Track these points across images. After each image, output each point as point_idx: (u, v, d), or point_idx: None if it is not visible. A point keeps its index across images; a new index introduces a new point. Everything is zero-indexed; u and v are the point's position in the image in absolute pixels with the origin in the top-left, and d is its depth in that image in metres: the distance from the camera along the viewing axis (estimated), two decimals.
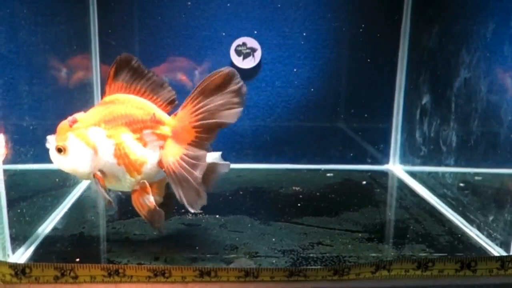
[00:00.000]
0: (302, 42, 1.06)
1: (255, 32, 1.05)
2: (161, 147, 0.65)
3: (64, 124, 0.64)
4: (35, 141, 0.83)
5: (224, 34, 1.05)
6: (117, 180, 0.66)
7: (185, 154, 0.64)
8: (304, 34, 1.06)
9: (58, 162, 0.65)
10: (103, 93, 0.67)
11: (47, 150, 0.66)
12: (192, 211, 0.64)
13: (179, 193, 0.64)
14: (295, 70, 1.07)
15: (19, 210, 0.73)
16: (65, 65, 0.92)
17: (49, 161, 0.87)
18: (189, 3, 1.03)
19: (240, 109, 0.63)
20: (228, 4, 1.03)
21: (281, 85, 1.08)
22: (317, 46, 1.06)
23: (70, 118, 0.64)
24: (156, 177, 0.67)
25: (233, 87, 0.63)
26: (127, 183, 0.66)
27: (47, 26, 0.84)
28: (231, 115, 0.63)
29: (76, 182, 0.94)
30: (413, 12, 1.02)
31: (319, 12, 1.05)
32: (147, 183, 0.66)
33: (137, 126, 0.64)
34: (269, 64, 1.07)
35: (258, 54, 1.05)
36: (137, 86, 0.66)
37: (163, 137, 0.65)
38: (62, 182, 0.90)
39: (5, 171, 0.75)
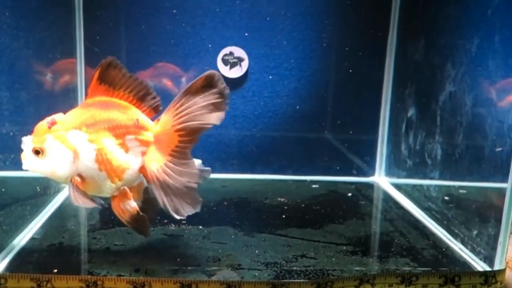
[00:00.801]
0: (289, 53, 1.06)
1: (243, 41, 1.05)
2: (143, 153, 0.64)
3: (42, 125, 0.62)
4: (16, 148, 0.82)
5: (210, 43, 1.04)
6: (97, 186, 0.64)
7: (169, 161, 0.63)
8: (291, 44, 1.06)
9: (33, 165, 0.62)
10: (85, 96, 0.66)
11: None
12: (177, 217, 0.63)
13: (162, 200, 0.63)
14: (284, 80, 1.07)
15: None
16: (48, 71, 0.90)
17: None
18: (175, 11, 1.02)
19: (223, 111, 0.63)
20: (217, 9, 1.03)
21: (268, 95, 1.08)
22: (304, 57, 1.06)
23: (48, 119, 0.62)
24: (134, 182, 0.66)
25: (215, 89, 0.62)
26: (107, 189, 0.64)
27: (30, 31, 0.83)
28: (213, 117, 0.63)
29: (57, 191, 0.92)
30: (400, 25, 1.03)
31: (307, 22, 1.05)
32: (127, 189, 0.65)
33: (119, 131, 0.63)
34: (256, 74, 1.06)
35: (245, 64, 1.05)
36: (121, 90, 0.64)
37: (146, 143, 0.64)
38: (43, 190, 0.88)
39: None
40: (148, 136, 0.64)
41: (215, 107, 0.62)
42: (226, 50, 1.04)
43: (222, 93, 0.62)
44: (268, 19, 1.05)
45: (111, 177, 0.63)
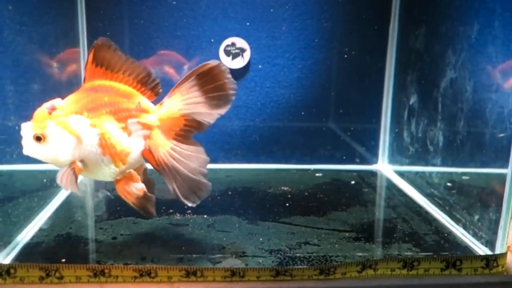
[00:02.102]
0: (291, 43, 1.06)
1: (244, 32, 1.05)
2: (146, 137, 0.64)
3: (42, 111, 0.61)
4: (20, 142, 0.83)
5: (212, 35, 1.05)
6: (99, 170, 0.63)
7: (175, 145, 0.64)
8: (293, 34, 1.06)
9: (34, 151, 0.61)
10: (83, 80, 0.64)
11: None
12: (189, 204, 0.64)
13: (172, 186, 0.64)
14: (284, 70, 1.08)
15: (4, 211, 0.72)
16: (52, 65, 0.91)
17: (37, 161, 0.87)
18: (175, 2, 1.02)
19: (230, 104, 0.65)
20: (219, 0, 1.03)
21: (270, 85, 1.08)
22: (306, 46, 1.07)
23: (48, 105, 0.61)
24: None
25: (222, 80, 0.63)
26: (111, 173, 0.64)
27: (33, 25, 0.84)
28: (220, 109, 0.63)
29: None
30: (401, 13, 1.03)
31: (308, 12, 1.05)
32: (133, 172, 0.65)
33: (122, 114, 0.62)
34: (258, 64, 1.07)
35: (247, 55, 1.05)
36: (120, 73, 0.63)
37: (148, 127, 0.64)
38: (50, 182, 0.90)
39: None
40: (151, 119, 0.64)
41: (222, 99, 0.63)
42: (228, 41, 1.04)
43: (230, 85, 0.63)
44: (269, 9, 1.05)
45: (115, 161, 0.63)
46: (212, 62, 0.64)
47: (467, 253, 0.69)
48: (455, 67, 0.79)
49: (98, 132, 0.62)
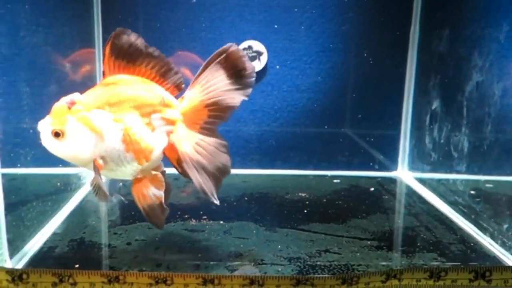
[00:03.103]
0: (309, 46, 1.04)
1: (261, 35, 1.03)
2: (169, 132, 0.61)
3: (61, 106, 0.57)
4: (36, 145, 0.82)
5: (229, 38, 1.03)
6: (120, 168, 0.60)
7: (201, 139, 0.62)
8: (311, 37, 1.04)
9: (53, 148, 0.58)
10: (103, 73, 0.61)
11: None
12: (216, 202, 0.62)
13: (198, 182, 0.61)
14: (303, 72, 1.06)
15: (18, 215, 0.71)
16: (67, 68, 0.90)
17: (51, 165, 0.86)
18: (191, 5, 1.01)
19: (251, 87, 0.63)
20: (236, 3, 1.02)
21: (287, 89, 1.06)
22: (324, 49, 1.05)
23: (67, 99, 0.58)
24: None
25: (241, 65, 0.62)
26: (133, 170, 0.61)
27: (49, 27, 0.83)
28: (241, 94, 0.63)
29: (77, 187, 0.92)
30: (423, 15, 1.00)
31: (327, 15, 1.03)
32: (159, 175, 0.62)
33: (145, 110, 0.60)
34: (275, 67, 1.05)
35: (264, 58, 1.03)
36: (142, 66, 0.60)
37: (171, 122, 0.61)
38: (64, 186, 0.89)
39: (4, 175, 0.73)
40: (174, 114, 0.62)
41: (243, 84, 0.62)
42: (245, 44, 1.03)
43: (249, 70, 0.62)
44: (287, 12, 1.03)
45: (138, 159, 0.60)
46: (228, 47, 0.62)
47: (496, 264, 0.66)
48: (482, 70, 0.76)
49: (121, 128, 0.58)
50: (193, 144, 0.61)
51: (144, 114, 0.60)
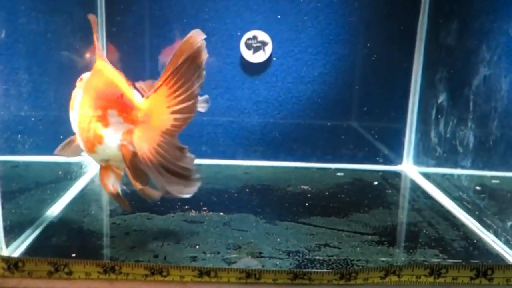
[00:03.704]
0: (315, 37, 1.03)
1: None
2: (129, 132, 0.58)
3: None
4: (39, 132, 0.81)
5: (234, 27, 1.02)
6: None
7: (163, 142, 0.56)
8: (317, 28, 1.02)
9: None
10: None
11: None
12: (183, 196, 0.56)
13: (160, 183, 0.56)
14: (307, 65, 1.04)
15: (16, 202, 0.71)
16: (69, 57, 0.90)
17: (52, 153, 0.86)
18: None
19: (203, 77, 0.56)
20: None
21: (292, 81, 1.05)
22: (330, 41, 1.03)
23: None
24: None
25: (199, 59, 0.54)
26: (91, 156, 0.63)
27: (51, 15, 0.82)
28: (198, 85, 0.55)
29: (79, 175, 0.92)
30: (431, 7, 0.98)
31: (333, 6, 1.02)
32: (120, 171, 0.64)
33: (100, 102, 0.58)
34: (280, 58, 1.04)
35: (269, 48, 1.02)
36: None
37: (131, 121, 0.58)
38: (65, 174, 0.88)
39: (5, 162, 0.73)
40: (134, 115, 0.58)
41: (200, 77, 0.55)
42: (250, 34, 1.01)
43: (202, 61, 0.55)
44: (293, 2, 1.01)
45: (85, 147, 0.61)
46: (188, 40, 0.54)
47: (499, 262, 0.65)
48: (490, 64, 0.74)
49: (78, 113, 0.61)
50: (155, 146, 0.56)
51: (98, 106, 0.58)
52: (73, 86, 0.66)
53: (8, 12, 0.71)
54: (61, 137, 0.71)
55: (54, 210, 0.77)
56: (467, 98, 0.81)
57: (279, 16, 1.02)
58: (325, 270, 0.60)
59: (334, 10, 1.02)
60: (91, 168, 0.96)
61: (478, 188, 0.79)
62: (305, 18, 1.02)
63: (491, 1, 0.77)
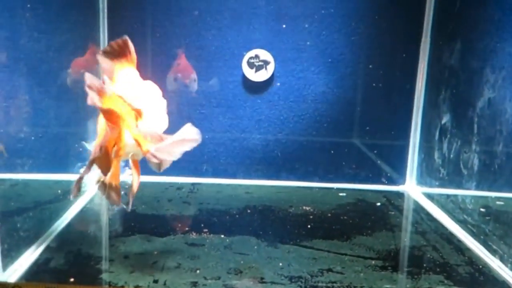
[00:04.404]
0: (317, 56, 1.03)
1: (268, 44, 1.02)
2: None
3: None
4: (36, 151, 0.81)
5: (236, 46, 1.01)
6: None
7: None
8: (319, 47, 1.02)
9: None
10: None
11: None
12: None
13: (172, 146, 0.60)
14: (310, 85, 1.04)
15: (14, 224, 0.70)
16: (71, 75, 0.89)
17: (53, 171, 0.85)
18: (196, 12, 1.00)
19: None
20: (243, 11, 1.00)
21: (294, 100, 1.04)
22: (333, 60, 1.03)
23: None
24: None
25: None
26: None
27: (53, 33, 0.82)
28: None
29: (78, 195, 0.91)
30: (434, 28, 0.98)
31: (336, 25, 1.01)
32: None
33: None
34: (282, 77, 1.03)
35: (271, 67, 1.02)
36: None
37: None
38: (64, 193, 0.87)
39: (4, 180, 0.72)
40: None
41: None
42: (252, 53, 1.01)
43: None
44: (295, 21, 1.01)
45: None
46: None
47: None
48: (494, 85, 0.73)
49: None
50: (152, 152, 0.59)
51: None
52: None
53: (10, 31, 0.71)
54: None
55: (53, 231, 0.76)
56: (471, 120, 0.80)
57: (283, 35, 1.01)
58: None
59: (337, 30, 1.02)
60: (90, 187, 0.95)
61: (483, 210, 0.78)
62: (308, 37, 1.02)
63: (494, 22, 0.77)
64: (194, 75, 1.02)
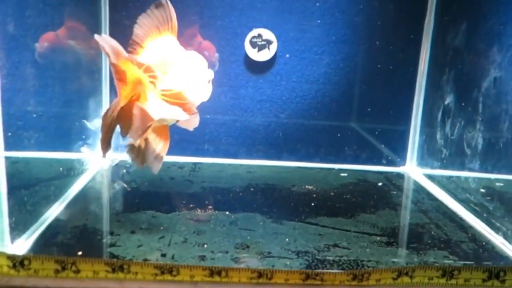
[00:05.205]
0: (320, 36, 1.02)
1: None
2: None
3: None
4: (40, 128, 0.80)
5: (239, 25, 1.01)
6: None
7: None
8: (323, 28, 1.02)
9: None
10: None
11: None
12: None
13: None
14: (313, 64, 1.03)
15: (20, 199, 0.69)
16: (73, 52, 0.88)
17: (53, 149, 0.85)
18: None
19: None
20: None
21: (296, 80, 1.04)
22: (336, 40, 1.02)
23: None
24: None
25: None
26: None
27: (57, 11, 0.81)
28: None
29: (80, 172, 0.90)
30: (438, 8, 0.98)
31: (339, 5, 1.01)
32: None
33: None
34: (284, 57, 1.03)
35: (273, 47, 1.01)
36: None
37: None
38: (66, 171, 0.87)
39: (6, 158, 0.72)
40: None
41: None
42: (255, 32, 1.01)
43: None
44: (298, 1, 1.01)
45: None
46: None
47: (509, 264, 0.64)
48: (500, 65, 0.74)
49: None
50: None
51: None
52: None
53: (14, 7, 0.70)
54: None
55: (58, 207, 0.75)
56: (476, 100, 0.80)
57: (287, 15, 1.00)
58: (337, 270, 0.59)
59: (341, 10, 1.01)
60: (92, 165, 0.95)
61: (486, 190, 0.79)
62: (311, 17, 1.01)
63: (501, 2, 0.77)
64: (216, 53, 1.02)
